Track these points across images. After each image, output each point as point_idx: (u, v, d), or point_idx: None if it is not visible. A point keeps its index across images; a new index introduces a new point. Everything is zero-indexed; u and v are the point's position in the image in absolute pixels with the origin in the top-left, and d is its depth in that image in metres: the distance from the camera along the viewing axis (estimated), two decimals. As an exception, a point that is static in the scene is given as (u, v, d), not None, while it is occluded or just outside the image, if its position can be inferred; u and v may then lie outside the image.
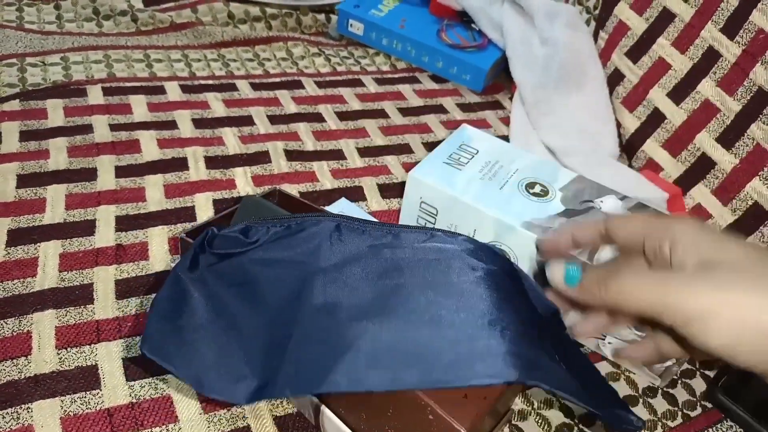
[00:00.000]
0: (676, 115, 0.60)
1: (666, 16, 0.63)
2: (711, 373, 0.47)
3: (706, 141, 0.58)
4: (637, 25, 0.66)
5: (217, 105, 0.66)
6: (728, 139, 0.56)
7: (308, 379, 0.32)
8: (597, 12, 0.73)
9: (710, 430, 0.44)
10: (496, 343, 0.31)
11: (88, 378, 0.39)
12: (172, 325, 0.34)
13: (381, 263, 0.37)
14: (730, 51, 0.57)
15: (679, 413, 0.44)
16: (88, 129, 0.59)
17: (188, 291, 0.35)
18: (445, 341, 0.32)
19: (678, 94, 0.61)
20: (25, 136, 0.57)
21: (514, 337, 0.31)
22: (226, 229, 0.38)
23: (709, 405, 0.45)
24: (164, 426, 0.37)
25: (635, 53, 0.66)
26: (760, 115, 0.53)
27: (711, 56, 0.58)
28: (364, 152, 0.63)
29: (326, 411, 0.37)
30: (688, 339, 0.30)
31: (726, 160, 0.56)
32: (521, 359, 0.30)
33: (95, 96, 0.63)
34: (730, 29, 0.57)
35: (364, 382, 0.31)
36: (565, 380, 0.31)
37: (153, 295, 0.45)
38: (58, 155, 0.55)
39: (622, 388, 0.45)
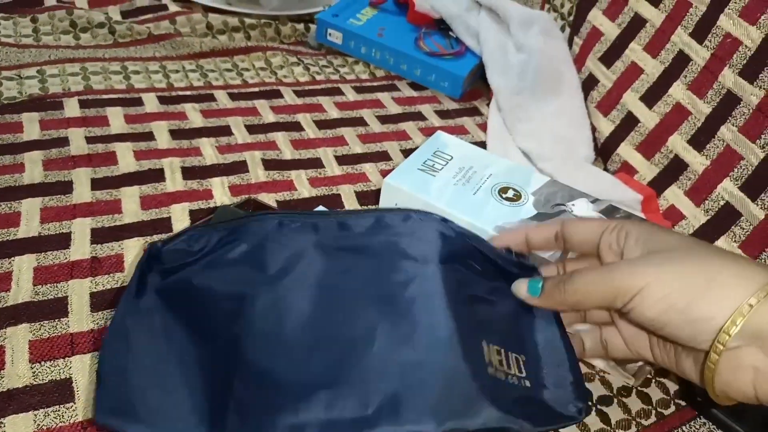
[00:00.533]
0: (649, 119, 0.61)
1: (637, 22, 0.64)
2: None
3: (678, 143, 0.58)
4: (610, 30, 0.67)
5: (194, 116, 0.66)
6: (699, 141, 0.57)
7: (258, 418, 0.31)
8: (571, 18, 0.74)
9: (684, 427, 0.44)
10: (421, 388, 0.31)
11: (62, 391, 0.39)
12: (119, 377, 0.33)
13: (325, 268, 0.35)
14: (700, 55, 0.58)
15: (653, 412, 0.45)
16: (64, 142, 0.59)
17: (132, 329, 0.34)
18: (372, 383, 0.32)
19: (650, 98, 0.62)
20: (1, 150, 0.56)
21: (439, 369, 0.32)
22: (171, 243, 0.36)
23: (683, 403, 0.46)
24: (138, 437, 0.37)
25: (609, 58, 0.67)
26: (729, 117, 0.54)
27: (681, 60, 0.59)
28: (342, 160, 0.64)
29: None
30: (631, 316, 0.34)
31: (697, 162, 0.56)
32: (442, 403, 0.31)
33: (72, 109, 0.63)
34: (699, 34, 0.58)
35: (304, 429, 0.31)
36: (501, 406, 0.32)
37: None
38: (34, 169, 0.55)
39: (596, 389, 0.45)
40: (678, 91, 0.59)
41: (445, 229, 0.37)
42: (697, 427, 0.44)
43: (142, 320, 0.34)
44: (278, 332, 0.33)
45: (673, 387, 0.47)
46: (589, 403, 0.36)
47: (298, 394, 0.31)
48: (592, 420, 0.43)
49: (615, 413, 0.44)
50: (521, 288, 0.38)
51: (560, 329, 0.39)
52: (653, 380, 0.47)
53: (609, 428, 0.43)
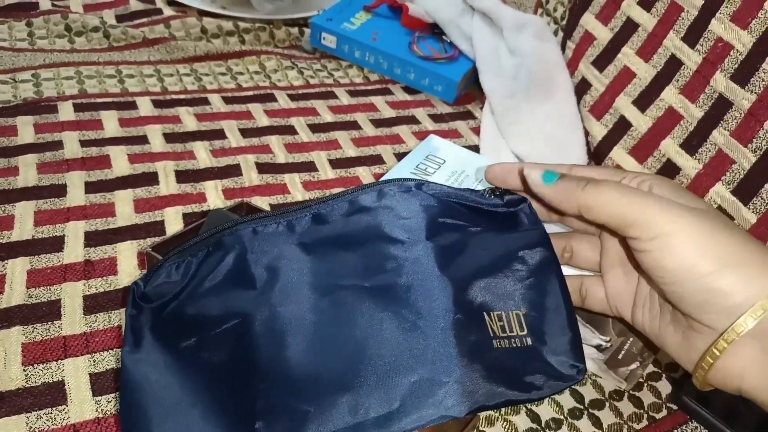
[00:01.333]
0: (641, 123, 0.62)
1: (630, 26, 0.64)
2: (677, 375, 0.48)
3: (670, 147, 0.59)
4: (603, 35, 0.67)
5: (188, 119, 0.66)
6: (692, 145, 0.57)
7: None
8: (564, 23, 0.74)
9: (676, 431, 0.44)
10: (435, 374, 0.31)
11: (54, 394, 0.39)
12: (144, 428, 0.32)
13: (312, 269, 0.34)
14: (692, 59, 0.58)
15: (645, 415, 0.45)
16: (58, 145, 0.59)
17: (143, 380, 0.33)
18: (390, 375, 0.32)
19: (643, 102, 0.62)
20: (-5, 153, 0.57)
21: (452, 349, 0.32)
22: (151, 279, 0.35)
23: (675, 407, 0.46)
24: (130, 440, 0.37)
25: (601, 62, 0.67)
26: (721, 121, 0.55)
27: (673, 64, 0.60)
28: (335, 164, 0.64)
29: None
30: (644, 254, 0.32)
31: (690, 166, 0.57)
32: (460, 388, 0.31)
33: (66, 112, 0.63)
34: (691, 38, 0.58)
35: None
36: (496, 380, 0.32)
37: (122, 311, 0.45)
38: (28, 172, 0.55)
39: (588, 392, 0.46)
40: (670, 96, 0.59)
41: (422, 198, 0.36)
42: (689, 431, 0.45)
43: (148, 369, 0.33)
44: (285, 344, 0.32)
45: (665, 391, 0.47)
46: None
47: (321, 404, 0.31)
48: (584, 424, 0.44)
49: (607, 417, 0.44)
50: (535, 173, 0.36)
51: (559, 279, 0.37)
52: (645, 384, 0.47)
53: None
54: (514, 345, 0.34)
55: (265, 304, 0.33)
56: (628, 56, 0.64)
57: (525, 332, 0.35)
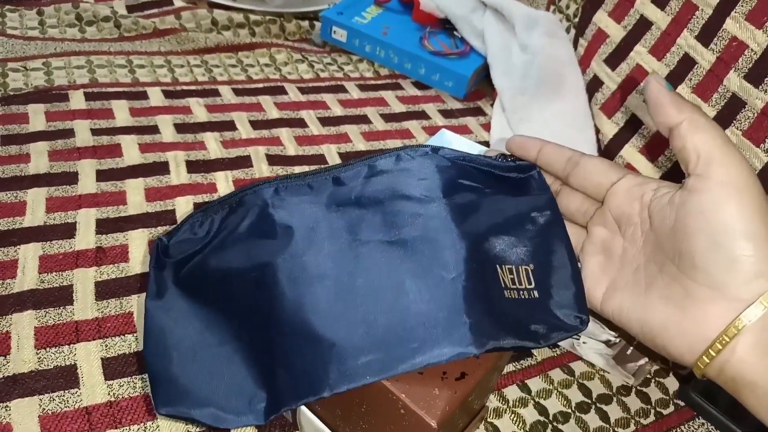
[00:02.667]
0: (652, 121, 0.62)
1: (643, 24, 0.64)
2: (684, 372, 0.48)
3: (681, 146, 0.59)
4: (616, 32, 0.67)
5: (199, 110, 0.66)
6: (702, 144, 0.57)
7: (306, 384, 0.31)
8: (576, 20, 0.74)
9: (682, 427, 0.44)
10: (452, 316, 0.32)
11: (66, 377, 0.39)
12: (169, 371, 0.33)
13: (332, 224, 0.35)
14: (705, 58, 0.58)
15: (652, 411, 0.45)
16: (69, 133, 0.59)
17: (166, 325, 0.34)
18: (410, 318, 0.32)
19: (654, 100, 0.62)
20: (7, 140, 0.57)
21: (468, 294, 0.33)
22: (175, 234, 0.36)
23: (682, 403, 0.46)
24: (142, 424, 0.38)
25: (613, 60, 0.67)
26: (734, 121, 0.55)
27: (687, 63, 0.60)
28: (345, 157, 0.64)
29: (303, 408, 0.37)
30: (700, 195, 0.33)
31: (700, 165, 0.57)
32: (476, 329, 0.32)
33: (77, 101, 0.63)
34: (705, 37, 0.58)
35: (357, 376, 0.31)
36: (506, 324, 0.33)
37: (133, 297, 0.45)
38: (39, 159, 0.55)
39: (596, 387, 0.46)
40: (683, 94, 0.59)
41: (438, 160, 0.37)
42: (696, 427, 0.45)
43: (171, 314, 0.35)
44: (306, 293, 0.33)
45: (672, 387, 0.47)
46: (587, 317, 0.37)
47: (341, 349, 0.32)
48: (592, 418, 0.44)
49: (614, 411, 0.44)
50: (660, 78, 0.36)
51: (565, 240, 0.38)
52: (653, 380, 0.47)
53: (608, 426, 0.43)
54: (523, 297, 0.35)
55: (287, 254, 0.34)
56: (641, 54, 0.64)
57: (532, 286, 0.36)
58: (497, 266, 0.36)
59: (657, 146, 0.61)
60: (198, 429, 0.38)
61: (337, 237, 0.35)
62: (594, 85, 0.69)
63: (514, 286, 0.36)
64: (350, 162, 0.37)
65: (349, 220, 0.35)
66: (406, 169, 0.36)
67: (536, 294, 0.36)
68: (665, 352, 0.35)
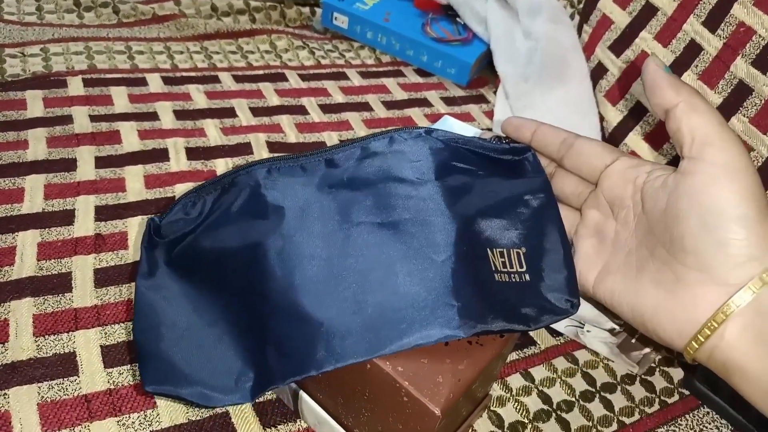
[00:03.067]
0: (657, 108, 0.61)
1: (649, 10, 0.63)
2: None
3: (686, 133, 0.58)
4: (620, 18, 0.66)
5: (199, 97, 0.65)
6: (708, 131, 0.56)
7: (294, 362, 0.31)
8: (581, 6, 0.73)
9: (687, 416, 0.44)
10: (441, 298, 0.32)
11: (65, 365, 0.39)
12: (158, 349, 0.33)
13: (324, 205, 0.35)
14: (712, 44, 0.57)
15: (657, 400, 0.45)
16: (67, 120, 0.58)
17: (156, 303, 0.34)
18: (399, 299, 0.32)
19: (659, 87, 0.61)
20: (4, 126, 0.56)
21: (458, 277, 0.32)
22: (167, 215, 0.36)
23: (687, 392, 0.46)
24: (142, 412, 0.37)
25: (618, 47, 0.66)
26: (741, 108, 0.54)
27: (693, 49, 0.59)
28: (347, 144, 0.63)
29: (304, 396, 0.37)
30: (692, 176, 0.32)
31: (705, 152, 0.56)
32: (465, 312, 0.32)
33: (75, 87, 0.63)
34: (712, 23, 0.57)
35: (345, 355, 0.31)
36: (495, 307, 0.33)
37: (132, 284, 0.44)
38: (37, 145, 0.55)
39: (600, 376, 0.45)
40: (689, 81, 0.58)
41: (432, 142, 0.37)
42: (701, 416, 0.44)
43: (161, 293, 0.35)
44: (296, 273, 0.33)
45: (677, 376, 0.47)
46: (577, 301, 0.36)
47: (330, 329, 0.32)
48: (596, 406, 0.43)
49: (618, 400, 0.44)
50: (659, 60, 0.36)
51: (558, 223, 0.38)
52: (657, 369, 0.47)
53: (612, 415, 0.43)
54: (514, 280, 0.35)
55: (277, 234, 0.34)
56: (646, 41, 0.63)
57: (524, 269, 0.36)
58: (488, 249, 0.36)
59: (662, 134, 0.60)
60: (197, 412, 0.38)
61: (329, 218, 0.35)
62: (598, 72, 0.68)
63: (505, 269, 0.35)
64: (343, 143, 0.37)
65: (341, 201, 0.35)
66: (399, 151, 0.36)
67: (527, 277, 0.36)
68: (656, 337, 0.34)
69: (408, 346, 0.31)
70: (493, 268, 0.35)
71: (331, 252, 0.34)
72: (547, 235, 0.37)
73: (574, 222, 0.40)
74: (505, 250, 0.36)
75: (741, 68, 0.54)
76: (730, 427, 0.44)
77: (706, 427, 0.44)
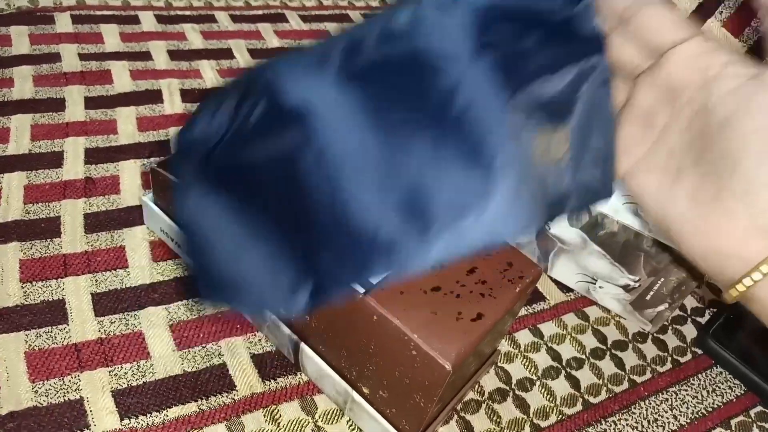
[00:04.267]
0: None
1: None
2: (702, 320, 0.46)
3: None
4: None
5: (194, 36, 0.62)
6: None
7: (349, 271, 0.30)
8: None
9: (700, 375, 0.43)
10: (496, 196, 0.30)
11: (54, 312, 0.37)
12: (210, 264, 0.32)
13: (356, 99, 0.31)
14: None
15: (669, 359, 0.43)
16: (55, 57, 0.55)
17: (199, 219, 0.33)
18: (456, 195, 0.30)
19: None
20: (-12, 62, 0.53)
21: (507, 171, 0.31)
22: (191, 129, 0.34)
23: (700, 351, 0.44)
24: (135, 362, 0.35)
25: None
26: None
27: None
28: (349, 90, 0.60)
29: (306, 349, 0.35)
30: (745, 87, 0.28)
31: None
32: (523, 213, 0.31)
33: (63, 24, 0.59)
34: None
35: (403, 263, 0.29)
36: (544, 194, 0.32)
37: (124, 230, 0.42)
38: (24, 84, 0.52)
39: (611, 333, 0.44)
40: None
41: (467, 5, 0.32)
42: (714, 375, 0.43)
43: (200, 208, 0.33)
44: (340, 174, 0.31)
45: (690, 335, 0.45)
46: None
47: (384, 234, 0.30)
48: (606, 364, 0.42)
49: (630, 358, 0.43)
50: None
51: (608, 102, 0.33)
52: (670, 327, 0.45)
53: (623, 373, 0.42)
54: (560, 166, 0.32)
55: (312, 141, 0.31)
56: None
57: (566, 149, 0.33)
58: (532, 135, 0.32)
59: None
60: (193, 363, 0.36)
61: (367, 114, 0.31)
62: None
63: (548, 155, 0.32)
64: (362, 23, 0.32)
65: (376, 92, 0.31)
66: (429, 22, 0.32)
67: (569, 160, 0.32)
68: (676, 247, 0.32)
69: (471, 250, 0.29)
70: (536, 154, 0.32)
71: (372, 153, 0.31)
72: (597, 113, 0.33)
73: (623, 97, 0.35)
74: (549, 127, 0.32)
75: None
76: (742, 387, 0.43)
77: (719, 387, 0.42)
